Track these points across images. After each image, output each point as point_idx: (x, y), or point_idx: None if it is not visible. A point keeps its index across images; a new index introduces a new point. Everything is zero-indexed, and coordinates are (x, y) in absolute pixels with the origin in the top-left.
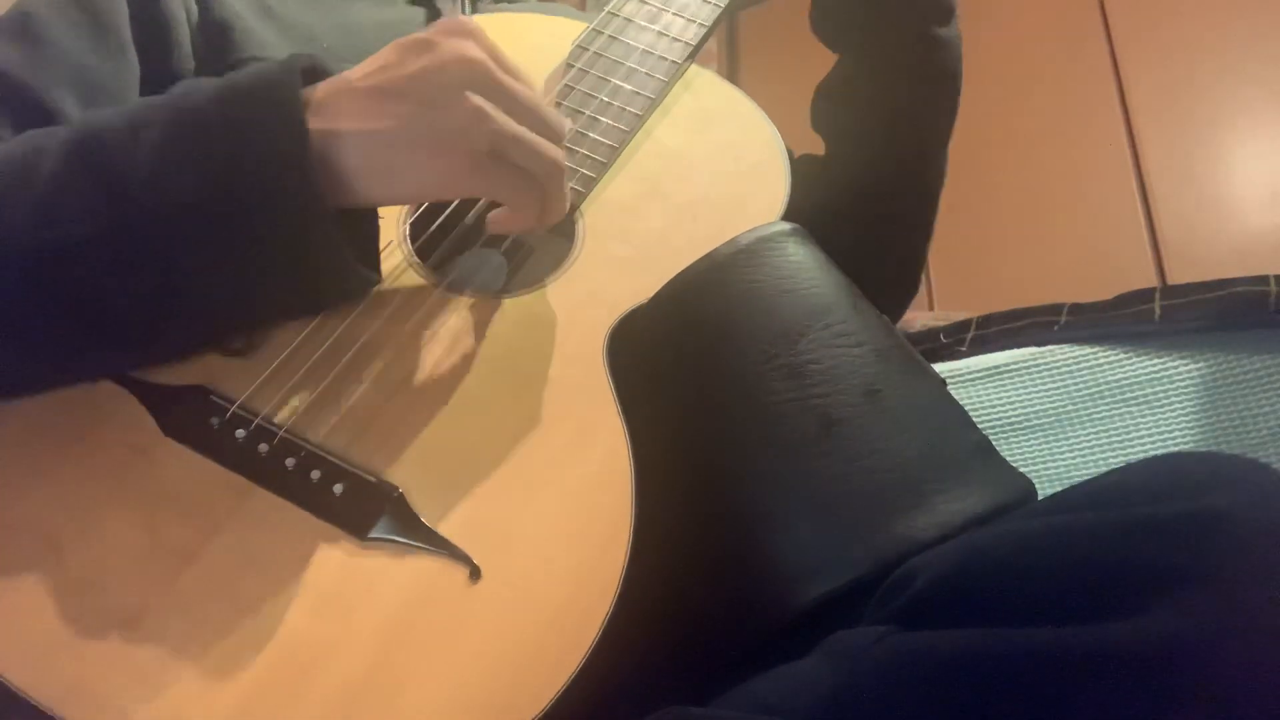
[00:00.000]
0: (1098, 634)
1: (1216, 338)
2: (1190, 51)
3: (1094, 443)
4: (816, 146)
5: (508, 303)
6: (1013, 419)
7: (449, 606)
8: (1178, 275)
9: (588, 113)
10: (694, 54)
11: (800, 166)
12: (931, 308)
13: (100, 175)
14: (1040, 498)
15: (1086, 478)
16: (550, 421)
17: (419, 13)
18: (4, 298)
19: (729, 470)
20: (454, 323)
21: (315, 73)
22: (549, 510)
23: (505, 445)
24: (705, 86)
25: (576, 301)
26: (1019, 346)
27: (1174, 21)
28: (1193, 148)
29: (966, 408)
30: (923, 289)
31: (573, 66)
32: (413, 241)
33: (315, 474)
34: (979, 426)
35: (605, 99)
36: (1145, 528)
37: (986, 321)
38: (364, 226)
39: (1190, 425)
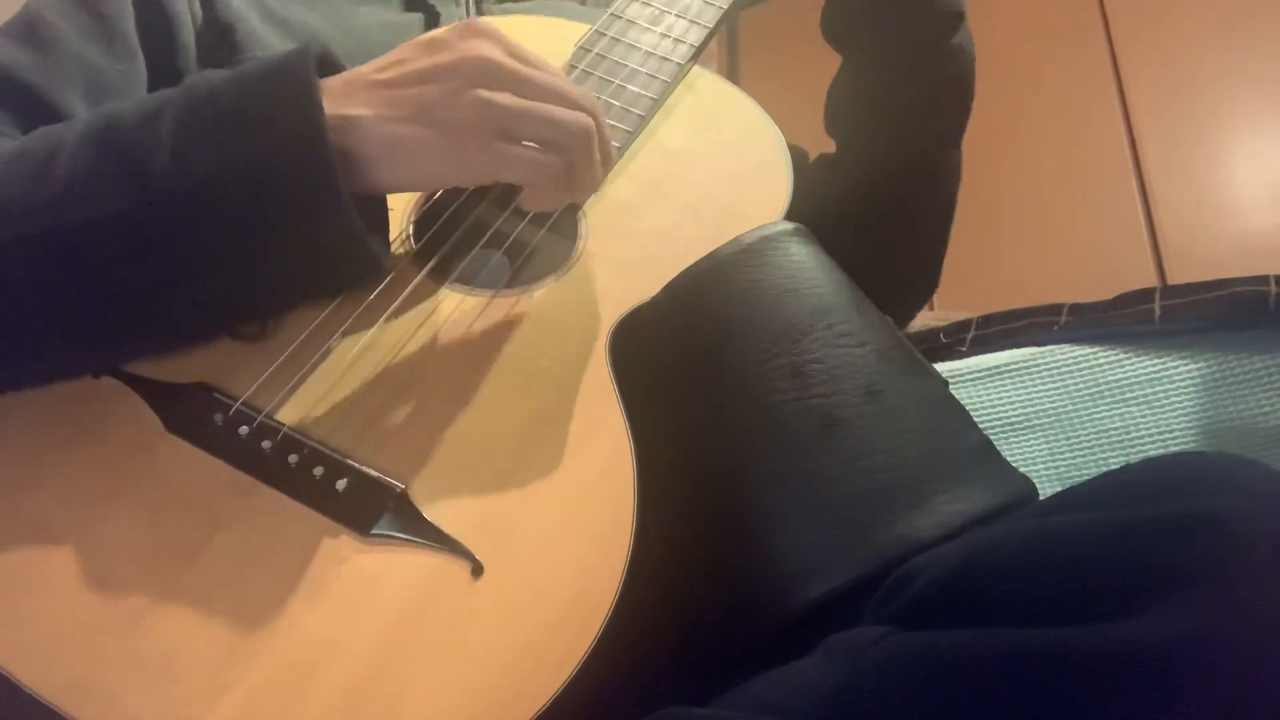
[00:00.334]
0: (1098, 634)
1: (1216, 338)
2: (1190, 51)
3: (1094, 443)
4: (817, 146)
5: (511, 301)
6: (1013, 419)
7: (451, 603)
8: (1178, 275)
9: None
10: (696, 55)
11: (818, 167)
12: (931, 308)
13: (121, 158)
14: (1041, 498)
15: (1086, 478)
16: (553, 420)
17: (418, 16)
18: (30, 280)
19: (730, 469)
20: (457, 321)
21: (327, 63)
22: (552, 508)
23: (508, 443)
24: (708, 87)
25: (579, 301)
26: (1019, 346)
27: (1174, 21)
28: (1193, 148)
29: (967, 408)
30: None
31: (575, 68)
32: (417, 240)
33: (318, 470)
34: (979, 426)
35: (608, 100)
36: (1146, 528)
37: (986, 321)
38: (374, 209)
39: (1190, 425)
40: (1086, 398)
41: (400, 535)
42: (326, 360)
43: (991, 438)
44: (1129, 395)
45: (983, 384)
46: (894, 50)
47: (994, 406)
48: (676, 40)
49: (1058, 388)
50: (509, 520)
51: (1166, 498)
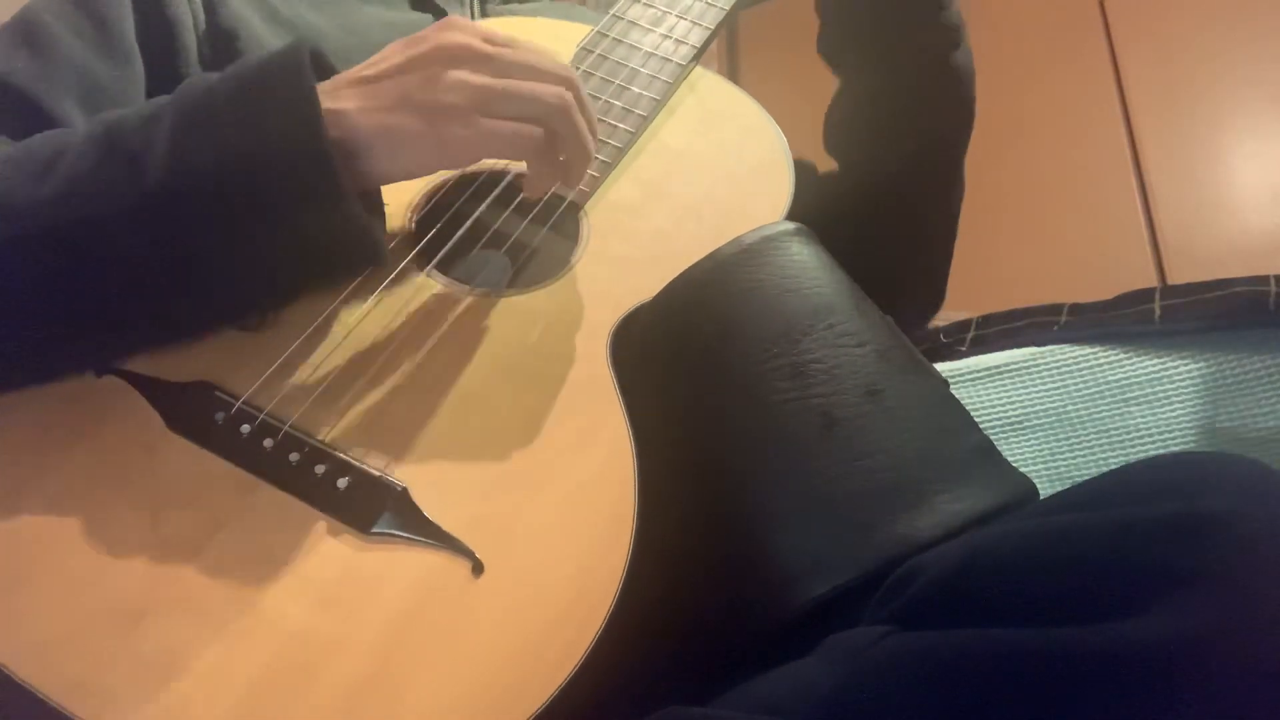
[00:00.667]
0: (1098, 634)
1: (1216, 338)
2: (1190, 52)
3: (1094, 443)
4: (818, 147)
5: (512, 301)
6: (1013, 419)
7: (452, 601)
8: (1178, 275)
9: None
10: (698, 56)
11: (823, 183)
12: None
13: (121, 157)
14: (1040, 498)
15: (1086, 478)
16: (554, 419)
17: (426, 17)
18: (33, 277)
19: (730, 469)
20: (458, 320)
21: (317, 63)
22: (552, 507)
23: (509, 442)
24: (709, 88)
25: (581, 300)
26: (1019, 346)
27: (1174, 22)
28: (1193, 148)
29: (967, 408)
30: None
31: (577, 69)
32: (419, 240)
33: (320, 469)
34: (979, 426)
35: (610, 101)
36: (1146, 528)
37: (986, 321)
38: (369, 199)
39: (1190, 425)
40: (1086, 398)
41: (401, 534)
42: (328, 359)
43: (991, 438)
44: (1129, 395)
45: (982, 384)
46: (893, 68)
47: (994, 406)
48: (678, 41)
49: (1057, 388)
50: (509, 519)
51: (1167, 498)
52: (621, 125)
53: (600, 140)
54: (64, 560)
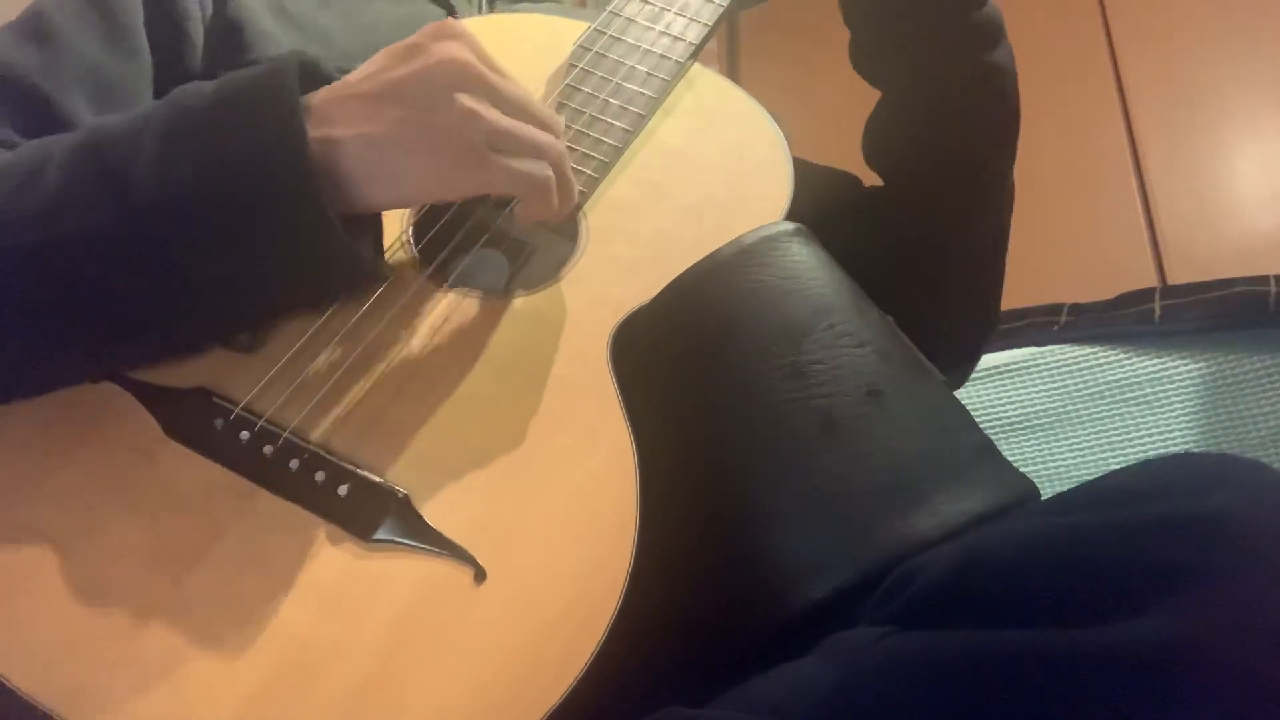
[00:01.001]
0: (1099, 635)
1: (1216, 338)
2: (1190, 52)
3: (1094, 443)
4: (818, 147)
5: (511, 303)
6: (1013, 419)
7: (454, 608)
8: (1178, 275)
9: (590, 113)
10: (696, 53)
11: (871, 203)
12: None
13: (103, 173)
14: (1041, 498)
15: (1086, 478)
16: (555, 422)
17: (436, 11)
18: (16, 295)
19: (731, 470)
20: (457, 323)
21: (312, 73)
22: (554, 511)
23: (510, 446)
24: (708, 86)
25: (580, 302)
26: (1019, 346)
27: (1174, 22)
28: (1193, 148)
29: (967, 407)
30: None
31: (575, 67)
32: (416, 243)
33: (319, 476)
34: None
35: (608, 99)
36: (1146, 528)
37: None
38: (365, 221)
39: (1190, 425)
40: (1086, 398)
41: (402, 540)
42: (327, 364)
43: (991, 437)
44: (1129, 395)
45: (982, 384)
46: (931, 74)
47: (994, 406)
48: (676, 38)
49: (1058, 388)
50: (511, 524)
51: (1166, 498)
52: (619, 123)
53: (597, 139)
54: (62, 567)
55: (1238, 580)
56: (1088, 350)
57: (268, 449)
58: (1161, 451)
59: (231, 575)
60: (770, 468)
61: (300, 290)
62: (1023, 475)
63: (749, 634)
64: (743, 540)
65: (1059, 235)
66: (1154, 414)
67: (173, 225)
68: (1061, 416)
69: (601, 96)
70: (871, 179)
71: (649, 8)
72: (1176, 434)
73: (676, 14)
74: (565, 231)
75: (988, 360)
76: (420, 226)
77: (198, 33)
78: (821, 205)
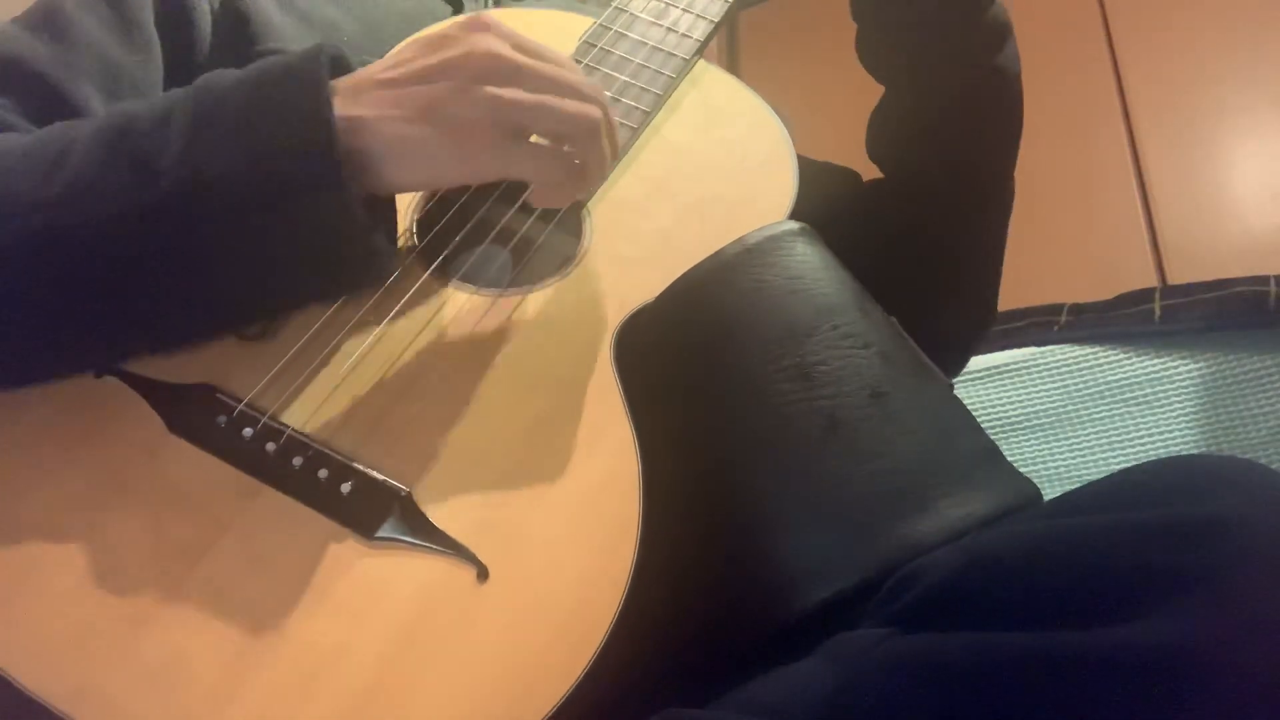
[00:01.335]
0: (1101, 638)
1: (1216, 338)
2: (1190, 52)
3: (1094, 443)
4: (818, 147)
5: (515, 301)
6: (1013, 419)
7: (456, 607)
8: (1178, 275)
9: None
10: (701, 50)
11: (872, 194)
12: None
13: (130, 155)
14: (1043, 500)
15: (1086, 478)
16: (558, 421)
17: (442, 6)
18: (36, 276)
19: (734, 471)
20: (460, 321)
21: (339, 63)
22: (557, 510)
23: (513, 444)
24: (713, 83)
25: (584, 300)
26: (1019, 346)
27: (1174, 22)
28: (1193, 148)
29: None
30: None
31: (580, 63)
32: (420, 239)
33: (323, 473)
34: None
35: (613, 95)
36: (1147, 531)
37: None
38: (382, 209)
39: (1190, 425)
40: (1086, 398)
41: (405, 539)
42: (330, 361)
43: (991, 438)
44: (1129, 395)
45: (983, 384)
46: (937, 73)
47: (994, 406)
48: (682, 35)
49: (1058, 388)
50: (514, 523)
51: (1167, 501)
52: (624, 121)
53: None
54: (65, 565)
55: (1239, 583)
56: (1088, 350)
57: (270, 446)
58: (1162, 452)
59: (234, 572)
60: (773, 469)
61: (315, 277)
62: (1025, 478)
63: (751, 635)
64: (745, 541)
65: (1059, 235)
66: (1154, 414)
67: (200, 207)
68: (1062, 416)
69: (607, 92)
70: (871, 174)
71: (655, 3)
72: (1177, 434)
73: (682, 10)
74: (570, 229)
75: (988, 360)
76: (425, 222)
77: (206, 24)
78: (820, 200)
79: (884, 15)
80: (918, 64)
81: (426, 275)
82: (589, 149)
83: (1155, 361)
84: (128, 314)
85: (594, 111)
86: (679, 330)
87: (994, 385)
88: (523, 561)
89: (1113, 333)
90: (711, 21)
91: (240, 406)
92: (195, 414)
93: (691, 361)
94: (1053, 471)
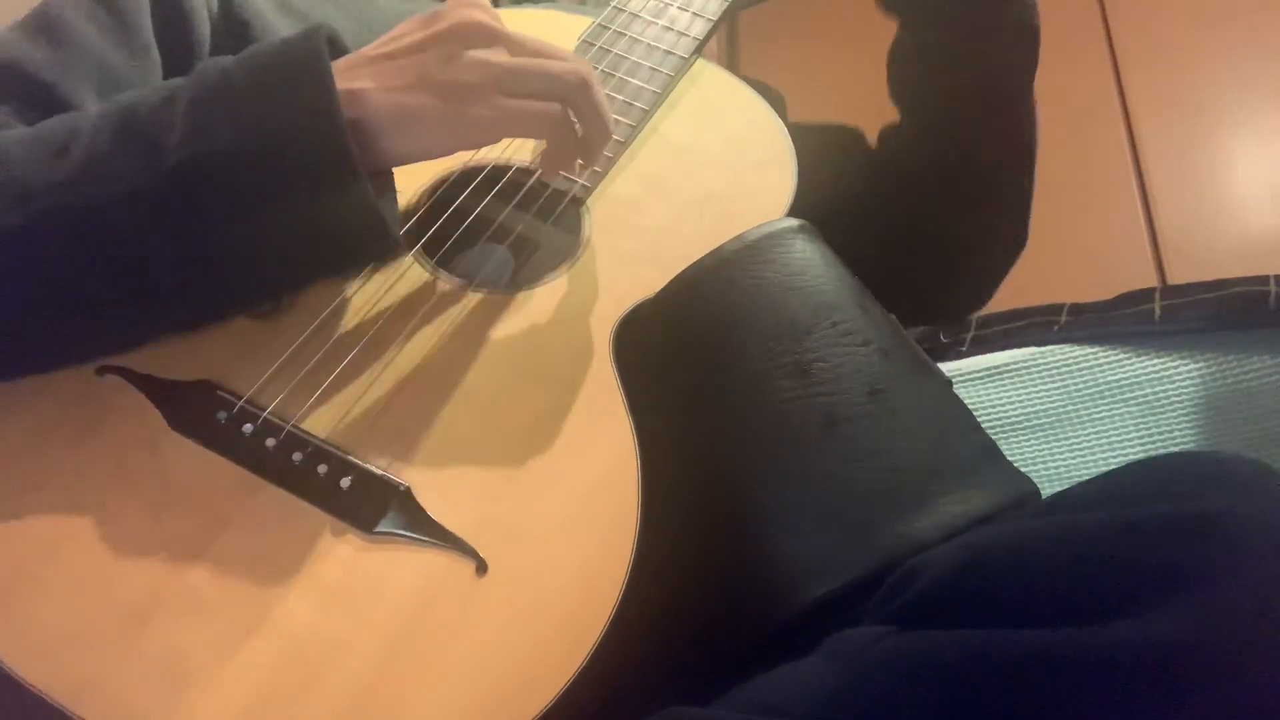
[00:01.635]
0: (1099, 635)
1: (1216, 338)
2: (1190, 52)
3: (1094, 443)
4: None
5: (514, 298)
6: (1013, 419)
7: (455, 601)
8: (1178, 275)
9: None
10: (700, 48)
11: (886, 139)
12: None
13: (136, 137)
14: (1042, 498)
15: (1086, 478)
16: (557, 417)
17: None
18: (47, 260)
19: (733, 468)
20: (460, 318)
21: (335, 44)
22: (556, 505)
23: (512, 440)
24: (711, 81)
25: (583, 297)
26: (1019, 346)
27: (1174, 22)
28: (1193, 148)
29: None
30: None
31: None
32: (421, 236)
33: (322, 468)
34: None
35: (612, 94)
36: (1146, 528)
37: (986, 321)
38: (383, 182)
39: (1190, 425)
40: (1086, 398)
41: (404, 533)
42: (330, 357)
43: (991, 437)
44: (1129, 395)
45: (983, 384)
46: (956, 5)
47: (994, 406)
48: (680, 33)
49: (1058, 388)
50: (513, 518)
51: (1166, 498)
52: (623, 119)
53: None
54: (67, 560)
55: (1238, 580)
56: (1088, 350)
57: (270, 442)
58: (1162, 451)
59: (235, 568)
60: (771, 466)
61: (324, 251)
62: (1024, 476)
63: (750, 633)
64: (744, 539)
65: (1059, 235)
66: (1154, 414)
67: (207, 184)
68: (1062, 416)
69: (605, 92)
70: (872, 134)
71: (653, 2)
72: (1177, 434)
73: (680, 9)
74: (569, 226)
75: (988, 360)
76: (425, 219)
77: (205, 29)
78: (823, 160)
79: None
80: (930, 5)
81: (427, 272)
82: (583, 106)
83: (1155, 361)
84: (139, 295)
85: (581, 67)
86: (678, 327)
87: (994, 385)
88: (522, 556)
89: (1113, 333)
90: (710, 20)
91: (240, 403)
92: (195, 410)
93: (690, 358)
94: (1053, 471)
